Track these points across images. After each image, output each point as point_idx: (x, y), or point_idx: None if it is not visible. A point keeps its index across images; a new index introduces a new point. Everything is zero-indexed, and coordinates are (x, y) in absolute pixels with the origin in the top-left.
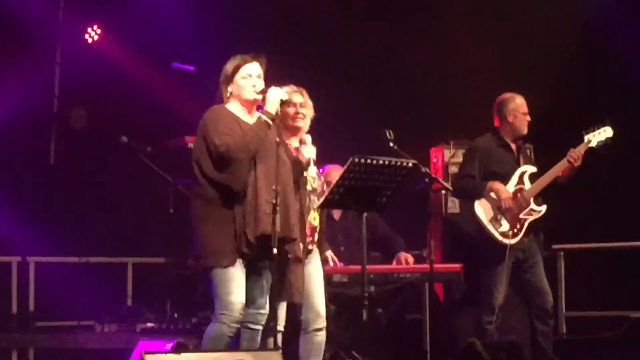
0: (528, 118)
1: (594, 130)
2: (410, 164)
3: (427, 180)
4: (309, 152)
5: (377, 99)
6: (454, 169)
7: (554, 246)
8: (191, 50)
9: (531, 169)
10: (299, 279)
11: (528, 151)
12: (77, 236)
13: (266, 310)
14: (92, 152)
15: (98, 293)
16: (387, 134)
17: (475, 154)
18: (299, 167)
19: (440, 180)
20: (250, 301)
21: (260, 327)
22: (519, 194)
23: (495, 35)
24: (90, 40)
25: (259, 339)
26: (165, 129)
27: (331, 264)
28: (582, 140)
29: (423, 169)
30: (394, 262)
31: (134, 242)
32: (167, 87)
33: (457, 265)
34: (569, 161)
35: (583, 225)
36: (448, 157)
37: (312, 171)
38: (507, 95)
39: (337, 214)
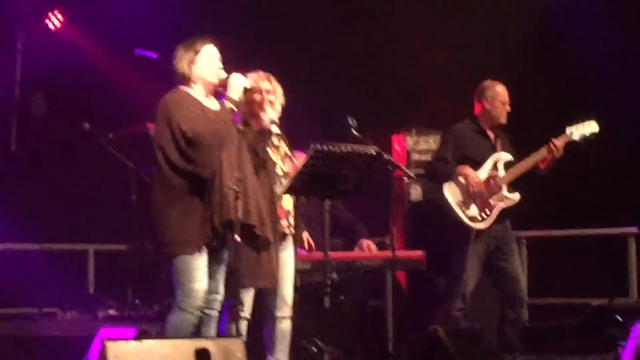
0: (507, 108)
1: (577, 123)
2: (372, 151)
3: (389, 167)
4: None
5: (339, 86)
6: (416, 156)
7: (517, 234)
8: (154, 37)
9: (506, 156)
10: (270, 263)
11: (508, 140)
12: (38, 223)
13: (221, 296)
14: (53, 139)
15: (59, 280)
16: (350, 121)
17: (450, 138)
18: (264, 137)
19: (403, 167)
20: (220, 287)
21: (214, 313)
22: (491, 180)
23: (456, 22)
24: (51, 27)
25: (213, 324)
26: (127, 116)
27: (306, 246)
28: (563, 132)
29: (385, 156)
30: (357, 249)
31: (96, 229)
32: (130, 73)
33: (419, 253)
34: (548, 151)
35: (546, 212)
36: (410, 144)
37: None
38: (487, 82)
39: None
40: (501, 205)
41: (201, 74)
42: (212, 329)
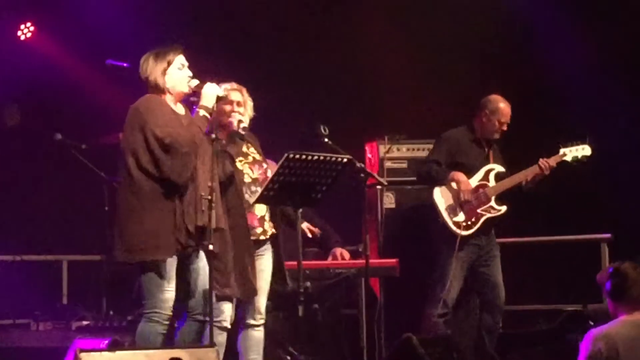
0: (504, 127)
1: (572, 145)
2: (345, 160)
3: (362, 175)
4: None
5: (311, 94)
6: (389, 164)
7: None
8: (125, 47)
9: (499, 168)
10: (246, 272)
11: (500, 153)
12: (12, 234)
13: (194, 303)
14: (26, 149)
15: (33, 291)
16: (322, 130)
17: (444, 143)
18: (235, 140)
19: (375, 175)
20: (192, 295)
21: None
22: (480, 189)
23: (430, 33)
24: (22, 37)
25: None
26: (100, 127)
27: (309, 234)
28: (557, 152)
29: (358, 164)
30: (330, 258)
31: (69, 240)
32: (101, 84)
33: (393, 261)
34: (539, 167)
35: (519, 219)
36: (383, 152)
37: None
38: (494, 96)
39: None
40: (488, 216)
41: (174, 84)
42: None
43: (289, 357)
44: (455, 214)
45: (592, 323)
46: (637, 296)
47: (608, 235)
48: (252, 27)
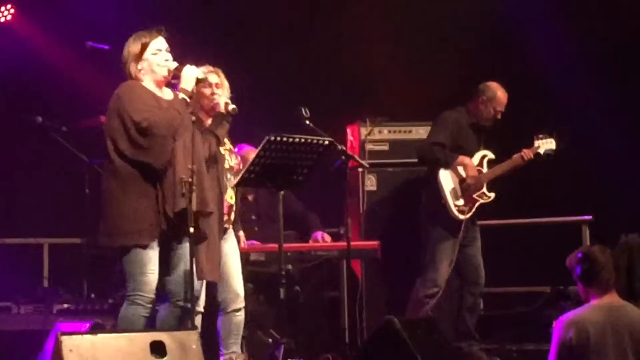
0: (498, 116)
1: (544, 139)
2: (326, 142)
3: (343, 157)
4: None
5: (292, 77)
6: (370, 146)
7: None
8: (106, 29)
9: (491, 155)
10: (218, 256)
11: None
12: None
13: (173, 286)
14: (6, 132)
15: (14, 274)
16: (303, 112)
17: (448, 125)
18: (221, 121)
19: (357, 157)
20: (175, 280)
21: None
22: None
23: (412, 16)
24: (2, 20)
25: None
26: (80, 109)
27: (242, 244)
28: (532, 144)
29: (339, 147)
30: (311, 241)
31: (50, 223)
32: (82, 67)
33: (374, 243)
34: (522, 157)
35: (500, 201)
36: (364, 134)
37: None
38: (493, 84)
39: (250, 195)
40: (480, 202)
41: (150, 69)
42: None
43: (270, 340)
44: (457, 198)
45: (573, 305)
46: (607, 280)
47: (589, 217)
48: (231, 8)
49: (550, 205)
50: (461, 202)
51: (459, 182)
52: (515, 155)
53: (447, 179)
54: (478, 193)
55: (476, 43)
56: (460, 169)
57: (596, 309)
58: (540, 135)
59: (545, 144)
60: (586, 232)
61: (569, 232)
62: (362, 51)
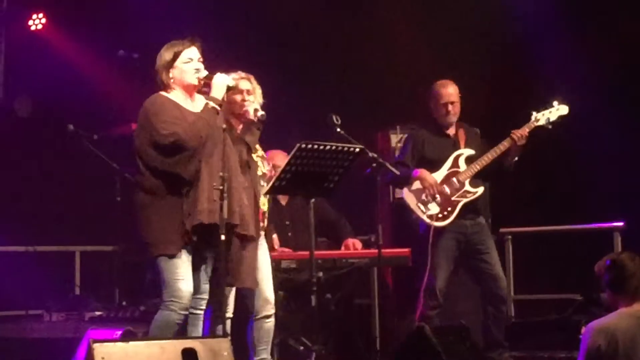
0: (449, 108)
1: (545, 109)
2: (357, 149)
3: (374, 165)
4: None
5: (323, 85)
6: None
7: (502, 230)
8: (138, 38)
9: (468, 151)
10: (251, 263)
11: (475, 135)
12: (24, 225)
13: (207, 295)
14: (38, 141)
15: (46, 282)
16: (334, 119)
17: (409, 141)
18: (251, 129)
19: (388, 165)
20: (193, 287)
21: (200, 313)
22: (452, 177)
23: (439, 21)
24: (33, 28)
25: (201, 323)
26: (111, 117)
27: (276, 247)
28: (529, 119)
29: (370, 154)
30: (342, 248)
31: (82, 230)
32: (113, 75)
33: (405, 250)
34: (511, 142)
35: (530, 208)
36: (395, 141)
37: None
38: (435, 83)
39: (284, 199)
40: (464, 201)
41: (181, 78)
42: (198, 328)
43: (302, 347)
44: (428, 208)
45: (605, 311)
46: (636, 288)
47: (621, 224)
48: (261, 15)
49: (582, 211)
50: (435, 209)
51: (424, 194)
52: (503, 141)
53: (409, 195)
54: (459, 193)
55: (504, 48)
56: (419, 183)
57: (625, 316)
58: (541, 108)
59: (549, 114)
60: (618, 239)
61: (600, 239)
62: (393, 58)
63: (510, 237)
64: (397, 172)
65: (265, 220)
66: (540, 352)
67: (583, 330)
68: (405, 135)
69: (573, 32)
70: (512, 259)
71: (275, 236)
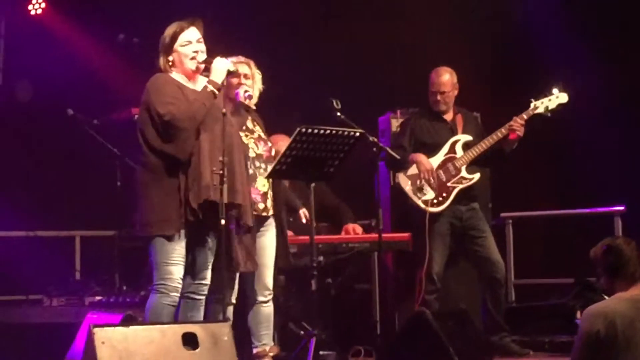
0: (437, 97)
1: (544, 97)
2: (357, 133)
3: (374, 149)
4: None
5: (324, 68)
6: None
7: (502, 214)
8: (137, 22)
9: (465, 137)
10: (249, 247)
11: (474, 120)
12: (24, 210)
13: (208, 281)
14: (38, 125)
15: (46, 267)
16: (334, 104)
17: (407, 125)
18: (240, 110)
19: (388, 149)
20: (193, 272)
21: (202, 298)
22: (448, 163)
23: (441, 5)
24: (33, 13)
25: (202, 309)
26: (111, 102)
27: (304, 220)
28: (529, 106)
29: (370, 138)
30: (343, 233)
31: (82, 215)
32: (113, 59)
33: (405, 235)
34: (509, 129)
35: (531, 193)
36: (395, 126)
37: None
38: (433, 69)
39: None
40: (460, 187)
41: (179, 60)
42: (200, 313)
43: (302, 332)
44: (423, 194)
45: (604, 296)
46: (633, 272)
47: (621, 208)
48: (266, 1)
49: (583, 196)
50: (430, 195)
51: (419, 178)
52: (500, 128)
53: (405, 180)
54: (455, 179)
55: (504, 34)
56: (415, 167)
57: (623, 301)
58: (541, 95)
59: (549, 101)
60: (618, 223)
61: (601, 224)
62: (394, 42)
63: (510, 221)
64: (398, 157)
65: (268, 200)
66: (541, 336)
67: (579, 315)
68: (402, 120)
69: (575, 21)
70: (512, 243)
71: (303, 211)
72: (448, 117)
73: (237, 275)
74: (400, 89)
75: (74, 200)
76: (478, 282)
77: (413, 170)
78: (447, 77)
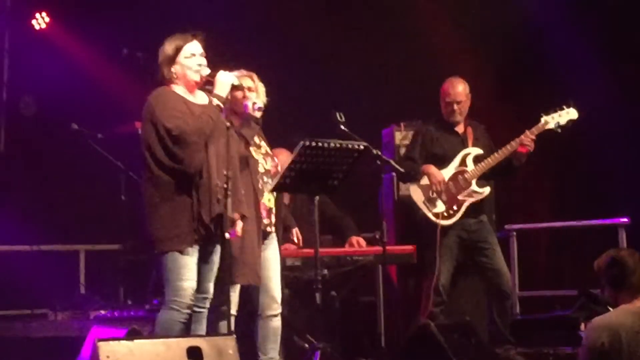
0: (454, 107)
1: (555, 112)
2: (361, 147)
3: (378, 162)
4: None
5: (328, 82)
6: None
7: (507, 226)
8: (140, 36)
9: (476, 150)
10: (254, 259)
11: (484, 132)
12: (29, 224)
13: (211, 294)
14: (42, 139)
15: (51, 281)
16: (338, 116)
17: (418, 137)
18: (250, 123)
19: (392, 162)
20: (197, 285)
21: (204, 310)
22: (459, 176)
23: (449, 17)
24: (37, 27)
25: (204, 321)
26: (115, 116)
27: (295, 239)
28: (539, 122)
29: (374, 151)
30: (347, 246)
31: (86, 229)
32: (117, 73)
33: (410, 247)
34: (520, 143)
35: (535, 205)
36: (399, 139)
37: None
38: (446, 80)
39: (286, 198)
40: (470, 200)
41: (184, 74)
42: (202, 325)
43: (306, 345)
44: (434, 206)
45: (609, 308)
46: (637, 284)
47: (626, 220)
48: (264, 11)
49: (588, 208)
50: (441, 208)
51: (431, 190)
52: (512, 142)
53: (416, 192)
54: (465, 192)
55: (511, 49)
56: (427, 179)
57: (627, 313)
58: (551, 110)
59: (559, 117)
60: (623, 235)
61: (606, 235)
62: (398, 55)
63: (514, 233)
64: (402, 170)
65: (273, 217)
66: (546, 348)
67: (583, 327)
68: (414, 131)
69: (585, 31)
70: (517, 255)
71: (296, 230)
72: (459, 129)
73: (238, 287)
74: (404, 102)
75: (78, 214)
76: (485, 294)
77: (424, 181)
78: (461, 88)
